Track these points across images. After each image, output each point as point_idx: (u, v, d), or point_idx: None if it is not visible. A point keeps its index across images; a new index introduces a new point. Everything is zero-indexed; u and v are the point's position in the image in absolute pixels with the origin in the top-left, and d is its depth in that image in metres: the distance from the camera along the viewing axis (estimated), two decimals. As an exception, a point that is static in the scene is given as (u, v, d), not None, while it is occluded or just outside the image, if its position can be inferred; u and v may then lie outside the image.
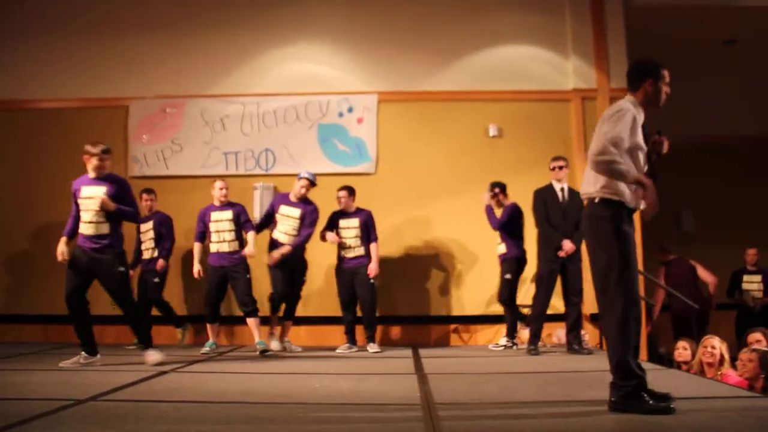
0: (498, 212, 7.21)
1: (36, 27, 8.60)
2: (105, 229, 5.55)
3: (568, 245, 6.56)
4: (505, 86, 8.32)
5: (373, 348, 7.07)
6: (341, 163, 8.20)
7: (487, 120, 8.24)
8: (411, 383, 4.60)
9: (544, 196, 6.81)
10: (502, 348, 7.06)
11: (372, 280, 7.12)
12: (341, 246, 7.20)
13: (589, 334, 7.61)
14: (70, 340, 6.36)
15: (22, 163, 8.39)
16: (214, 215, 6.94)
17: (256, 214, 7.89)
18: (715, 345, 5.77)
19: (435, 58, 8.37)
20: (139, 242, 7.54)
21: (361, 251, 7.15)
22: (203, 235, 7.03)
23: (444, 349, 7.41)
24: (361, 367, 5.68)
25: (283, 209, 6.98)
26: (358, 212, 7.26)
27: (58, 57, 8.53)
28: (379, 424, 3.20)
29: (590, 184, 3.68)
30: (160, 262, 7.42)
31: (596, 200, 3.63)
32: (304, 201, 6.98)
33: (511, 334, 7.15)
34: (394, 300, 8.01)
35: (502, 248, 7.11)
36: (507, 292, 7.07)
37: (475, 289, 7.95)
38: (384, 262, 7.61)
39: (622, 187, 3.56)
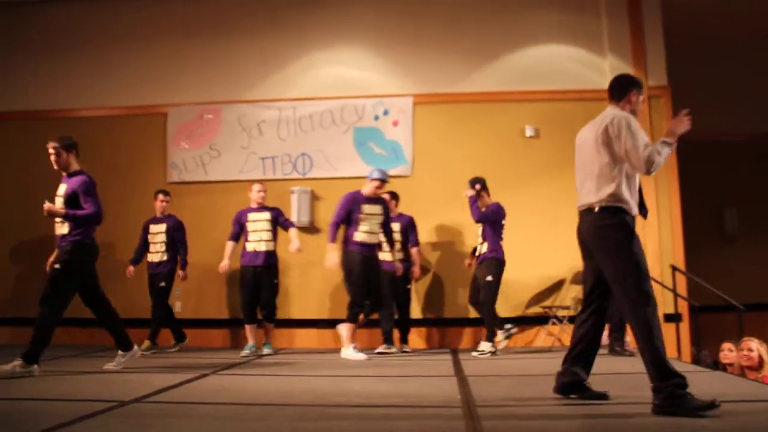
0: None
1: (74, 37, 8.82)
2: (65, 229, 5.34)
3: None
4: (541, 86, 8.26)
5: (407, 348, 7.20)
6: (378, 166, 8.18)
7: (524, 121, 8.18)
8: (451, 385, 4.58)
9: None
10: (488, 354, 6.70)
11: (408, 286, 7.17)
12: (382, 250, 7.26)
13: (630, 336, 7.50)
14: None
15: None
16: (252, 216, 7.05)
17: (294, 218, 7.95)
18: (753, 347, 5.63)
19: (470, 59, 8.35)
20: (146, 242, 7.52)
21: (400, 255, 7.17)
22: (238, 236, 7.15)
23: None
24: (399, 369, 5.68)
25: (367, 208, 6.65)
26: (400, 217, 7.31)
27: (96, 66, 8.74)
28: (418, 426, 3.19)
29: (592, 194, 3.73)
30: (183, 274, 7.48)
31: (596, 209, 3.68)
32: (380, 198, 6.84)
33: (491, 338, 6.87)
34: (431, 302, 8.00)
35: (484, 248, 6.90)
36: (489, 294, 6.77)
37: (513, 292, 7.88)
38: (421, 264, 7.61)
39: (625, 194, 3.64)
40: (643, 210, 3.92)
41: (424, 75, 8.36)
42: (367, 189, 6.73)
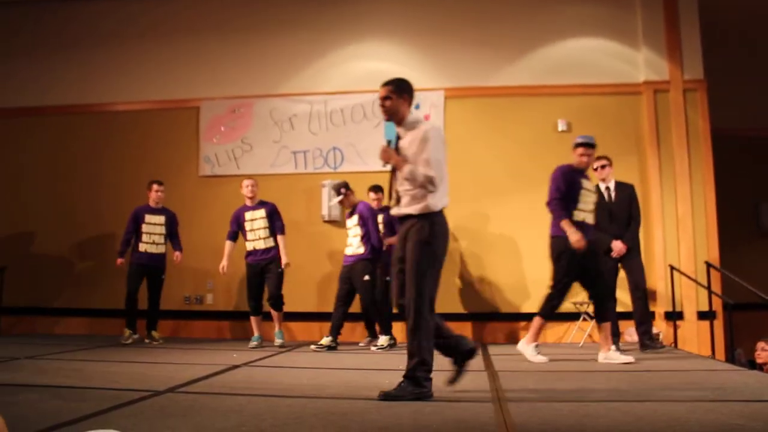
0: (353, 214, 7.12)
1: (108, 32, 9.02)
2: None
3: (618, 246, 6.50)
4: (574, 80, 8.18)
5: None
6: (409, 161, 8.19)
7: (556, 115, 8.12)
8: (481, 380, 4.59)
9: None
10: (388, 348, 6.85)
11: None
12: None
13: (663, 332, 7.42)
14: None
15: (99, 162, 8.73)
16: (248, 215, 7.20)
17: (324, 212, 8.04)
18: None
19: (502, 52, 8.30)
20: (139, 232, 7.45)
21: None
22: (235, 235, 7.25)
23: (512, 346, 7.33)
24: (429, 363, 5.68)
25: (585, 183, 5.87)
26: (382, 210, 7.31)
27: (129, 60, 8.91)
28: (450, 420, 3.19)
29: None
30: (179, 255, 7.56)
31: None
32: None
33: (388, 331, 6.99)
34: (461, 297, 7.98)
35: (361, 249, 6.93)
36: (370, 295, 6.89)
37: (543, 286, 7.82)
38: (451, 258, 7.60)
39: None
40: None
41: (455, 69, 8.33)
42: (575, 160, 5.87)
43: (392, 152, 4.05)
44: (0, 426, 1.46)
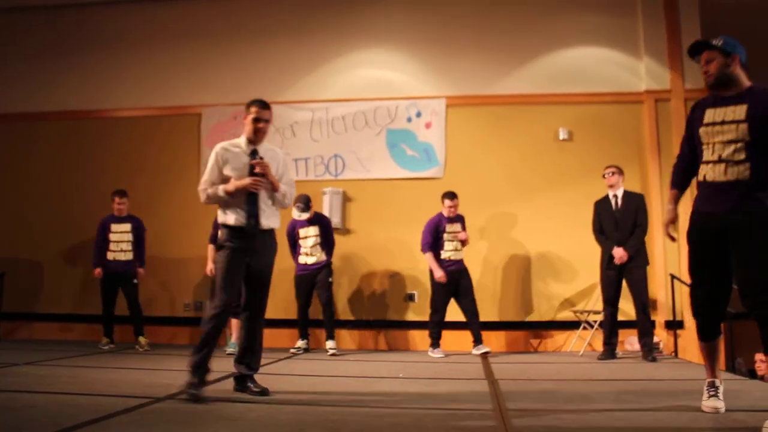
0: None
1: (108, 39, 8.99)
2: None
3: (619, 253, 6.53)
4: (576, 89, 8.18)
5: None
6: (410, 168, 8.20)
7: (557, 123, 8.11)
8: (482, 388, 4.57)
9: (599, 207, 6.90)
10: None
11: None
12: None
13: (663, 341, 7.41)
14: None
15: (101, 168, 8.72)
16: None
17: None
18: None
19: (504, 61, 8.30)
20: (106, 241, 7.51)
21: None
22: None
23: (513, 355, 7.31)
24: (430, 371, 5.67)
25: (713, 115, 3.64)
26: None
27: (130, 67, 8.89)
28: (452, 429, 3.17)
29: None
30: (142, 271, 7.58)
31: None
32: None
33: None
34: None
35: (323, 256, 7.23)
36: (330, 294, 7.26)
37: (543, 295, 7.83)
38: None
39: (222, 215, 4.53)
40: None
41: (457, 77, 8.33)
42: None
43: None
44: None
